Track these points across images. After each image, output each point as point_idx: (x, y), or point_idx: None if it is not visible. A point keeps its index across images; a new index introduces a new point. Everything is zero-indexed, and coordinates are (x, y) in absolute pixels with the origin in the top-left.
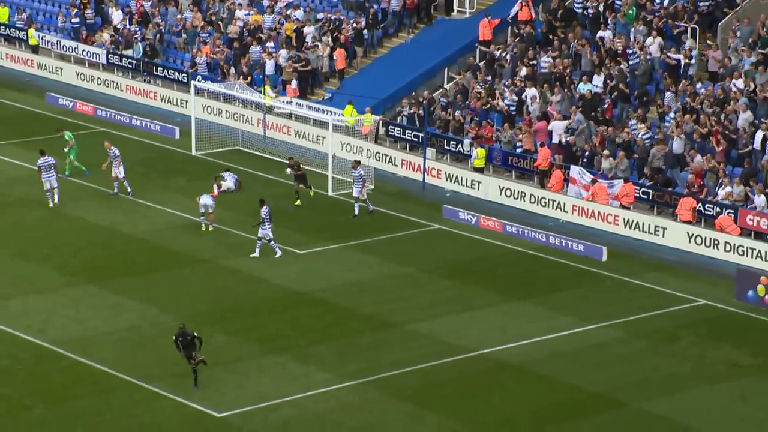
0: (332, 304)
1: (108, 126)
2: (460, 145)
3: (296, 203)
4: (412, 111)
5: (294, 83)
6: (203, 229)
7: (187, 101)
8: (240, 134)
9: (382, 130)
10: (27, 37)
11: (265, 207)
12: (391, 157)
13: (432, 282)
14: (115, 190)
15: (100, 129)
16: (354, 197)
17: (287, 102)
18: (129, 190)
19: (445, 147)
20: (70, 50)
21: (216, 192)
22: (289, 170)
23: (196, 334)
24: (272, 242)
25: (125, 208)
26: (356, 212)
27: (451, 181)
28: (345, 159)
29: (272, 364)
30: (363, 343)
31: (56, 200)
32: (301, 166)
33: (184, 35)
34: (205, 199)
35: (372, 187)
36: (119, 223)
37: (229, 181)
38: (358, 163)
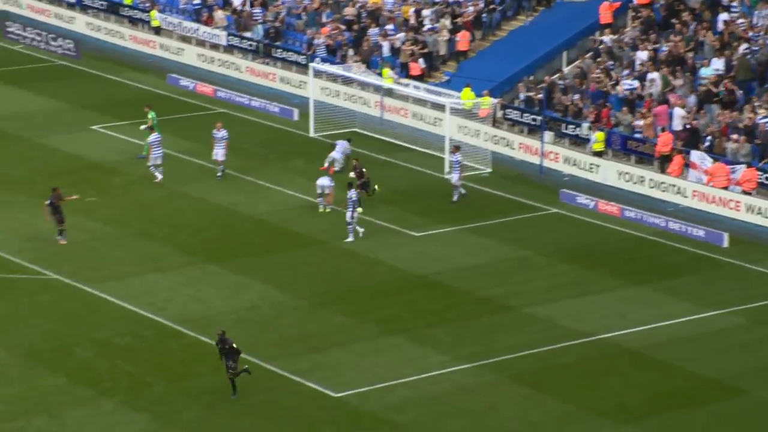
0: (448, 286)
1: (227, 107)
2: (578, 128)
3: (358, 210)
4: (530, 94)
5: (421, 61)
6: (320, 210)
7: (305, 83)
8: (357, 116)
9: (499, 114)
10: (150, 18)
11: (352, 190)
12: (508, 140)
13: (549, 266)
14: (221, 171)
15: (219, 110)
16: (453, 184)
17: (406, 84)
18: (219, 174)
19: (564, 131)
20: (191, 32)
21: (325, 166)
22: (351, 174)
23: (234, 345)
24: (350, 226)
25: (245, 189)
26: (455, 198)
27: (569, 164)
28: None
29: (388, 345)
30: (479, 326)
31: (159, 178)
32: (364, 171)
33: (304, 17)
34: (322, 180)
35: (489, 170)
36: (239, 203)
37: (336, 151)
38: (457, 148)
